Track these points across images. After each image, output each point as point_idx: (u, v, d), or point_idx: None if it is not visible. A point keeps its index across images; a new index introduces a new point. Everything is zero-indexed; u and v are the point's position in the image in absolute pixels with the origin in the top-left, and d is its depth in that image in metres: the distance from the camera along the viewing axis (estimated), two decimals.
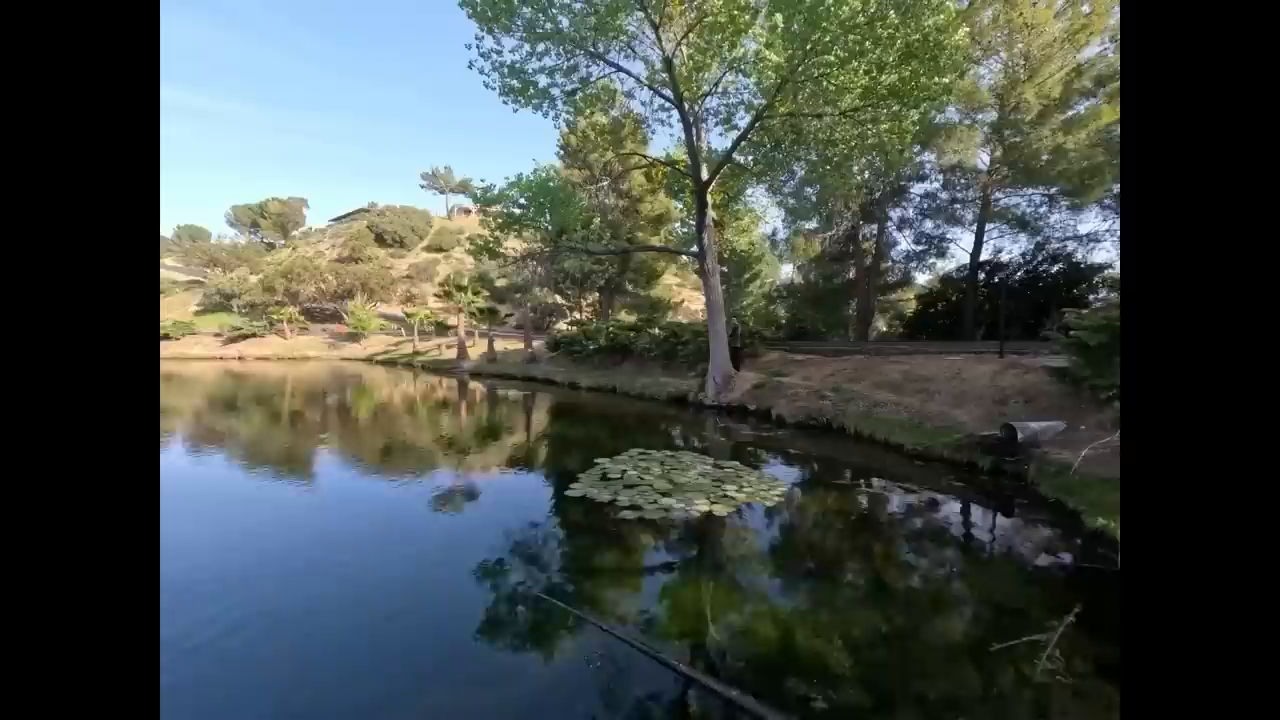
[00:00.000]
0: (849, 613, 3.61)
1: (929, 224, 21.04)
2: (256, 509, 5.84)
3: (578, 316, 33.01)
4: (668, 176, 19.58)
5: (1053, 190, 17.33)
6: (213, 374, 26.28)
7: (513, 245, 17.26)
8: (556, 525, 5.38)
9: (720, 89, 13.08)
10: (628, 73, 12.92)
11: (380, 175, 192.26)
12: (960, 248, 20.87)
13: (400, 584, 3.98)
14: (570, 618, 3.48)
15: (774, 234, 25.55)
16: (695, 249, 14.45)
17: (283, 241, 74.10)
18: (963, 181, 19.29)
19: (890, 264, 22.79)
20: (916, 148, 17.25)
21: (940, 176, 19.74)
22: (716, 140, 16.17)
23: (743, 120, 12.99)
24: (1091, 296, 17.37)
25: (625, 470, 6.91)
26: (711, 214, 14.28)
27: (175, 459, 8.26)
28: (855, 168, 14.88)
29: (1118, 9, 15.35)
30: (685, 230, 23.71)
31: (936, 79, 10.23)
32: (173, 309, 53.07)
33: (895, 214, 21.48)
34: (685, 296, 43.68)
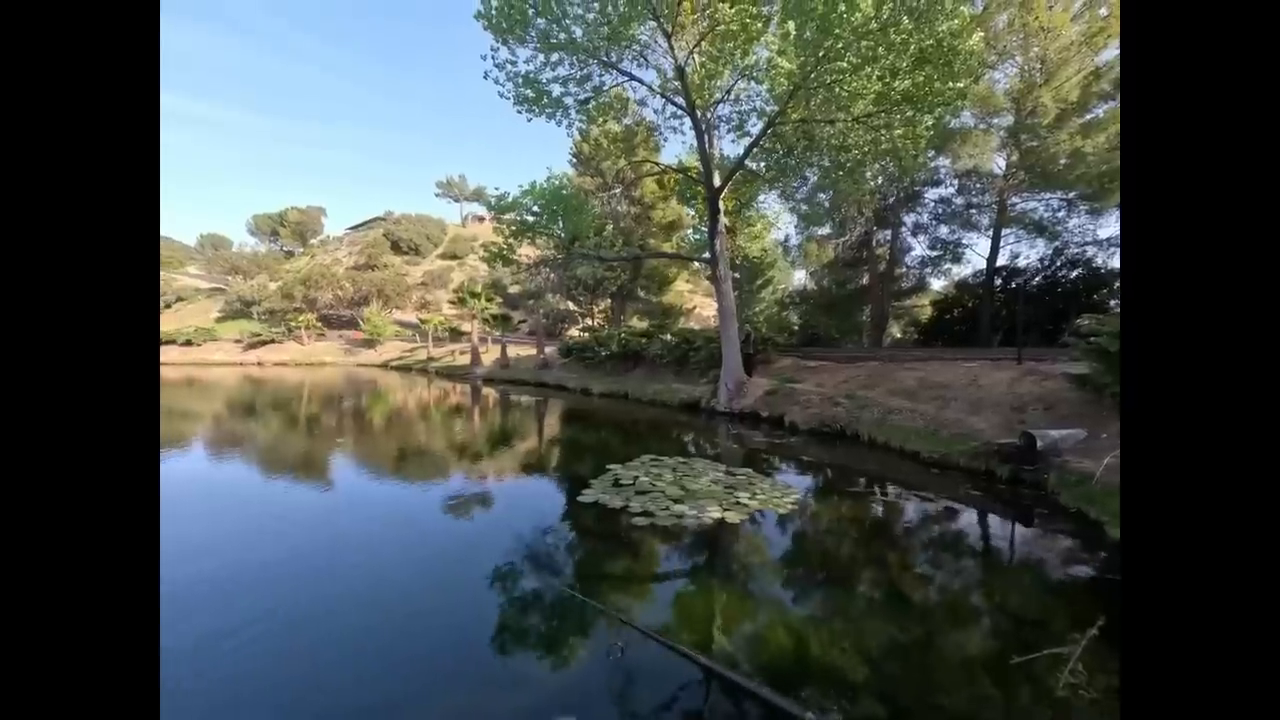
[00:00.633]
0: (864, 622, 3.56)
1: (944, 229, 20.82)
2: (274, 511, 5.93)
3: (590, 323, 33.14)
4: (680, 183, 19.65)
5: (1071, 194, 17.07)
6: (233, 379, 26.81)
7: (526, 252, 17.42)
8: (569, 531, 5.38)
9: (732, 96, 13.14)
10: (640, 81, 13.02)
11: (396, 184, 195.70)
12: (976, 253, 20.66)
13: (415, 586, 4.01)
14: (585, 620, 3.48)
15: (786, 240, 25.48)
16: (707, 255, 14.46)
17: (301, 249, 75.53)
18: (978, 186, 19.08)
19: (904, 270, 22.58)
20: (931, 153, 17.12)
21: (955, 181, 19.55)
22: (729, 147, 16.27)
23: (755, 127, 13.02)
24: (1112, 302, 17.02)
25: (637, 476, 6.90)
26: (724, 220, 14.29)
27: (195, 462, 8.42)
28: (868, 173, 14.80)
29: None
30: (697, 236, 23.72)
31: (951, 84, 10.17)
32: (195, 316, 54.29)
33: (909, 219, 21.31)
34: (697, 303, 43.66)
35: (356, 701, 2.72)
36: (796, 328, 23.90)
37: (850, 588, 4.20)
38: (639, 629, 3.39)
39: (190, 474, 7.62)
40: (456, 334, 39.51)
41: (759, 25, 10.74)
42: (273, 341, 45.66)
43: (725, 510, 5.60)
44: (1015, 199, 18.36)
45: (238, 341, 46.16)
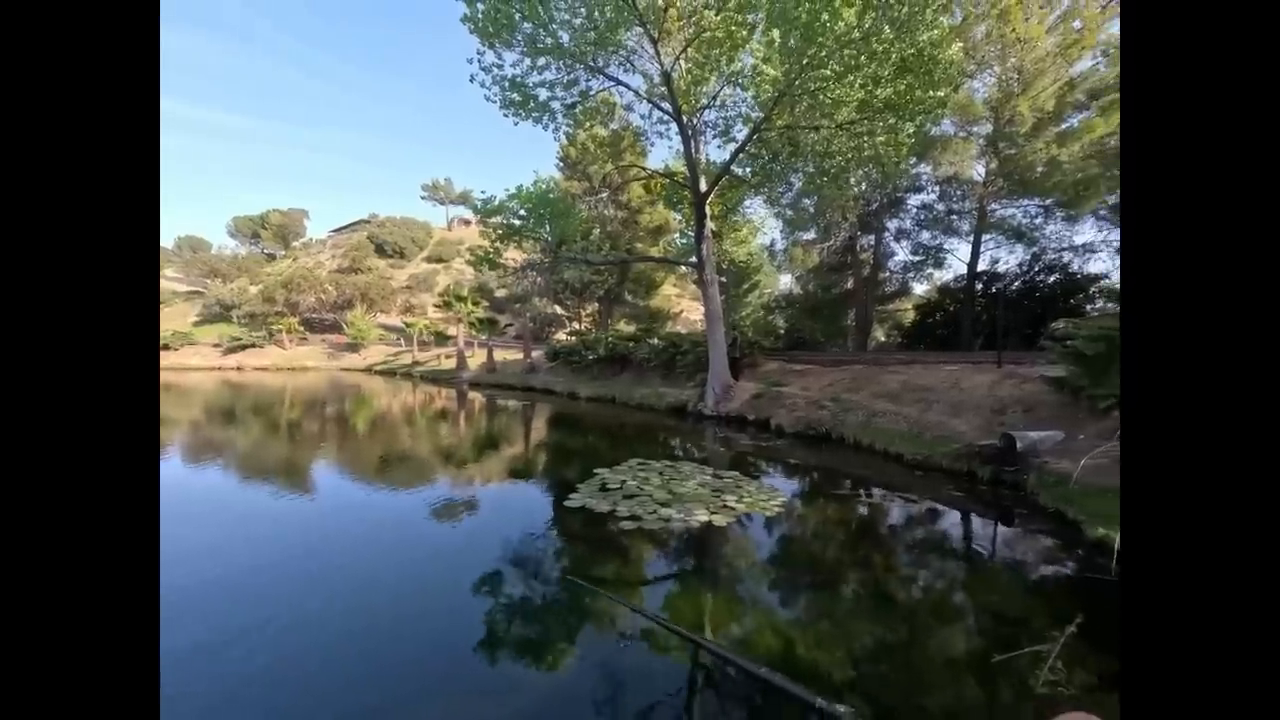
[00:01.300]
0: (849, 623, 3.59)
1: (926, 235, 21.16)
2: (254, 520, 5.81)
3: (577, 327, 33.07)
4: (666, 188, 19.74)
5: (1048, 201, 17.47)
6: (211, 384, 26.25)
7: (512, 256, 17.36)
8: (556, 536, 5.36)
9: (718, 102, 13.25)
10: (627, 86, 13.09)
11: (381, 187, 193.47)
12: (957, 258, 20.99)
13: (402, 592, 3.96)
14: (574, 624, 3.47)
15: (772, 245, 25.68)
16: (694, 259, 14.55)
17: (283, 252, 74.35)
18: (959, 193, 19.44)
19: (888, 274, 22.88)
20: (913, 160, 17.40)
21: (937, 188, 19.90)
22: (715, 152, 16.40)
23: (740, 133, 13.14)
24: (1088, 306, 17.43)
25: (624, 480, 6.89)
26: (710, 225, 14.39)
27: (172, 470, 8.23)
28: (852, 179, 15.02)
29: (1109, 24, 15.61)
30: (684, 241, 23.83)
31: (931, 92, 10.38)
32: (172, 319, 53.09)
33: (892, 225, 21.61)
34: (684, 307, 43.82)
35: (345, 707, 2.68)
36: (782, 331, 24.08)
37: (836, 589, 4.24)
38: (650, 616, 3.38)
39: (167, 481, 7.44)
40: (442, 338, 39.15)
41: (744, 33, 10.88)
42: (253, 346, 44.84)
43: (712, 513, 5.62)
44: (994, 205, 18.74)
45: (216, 346, 45.25)
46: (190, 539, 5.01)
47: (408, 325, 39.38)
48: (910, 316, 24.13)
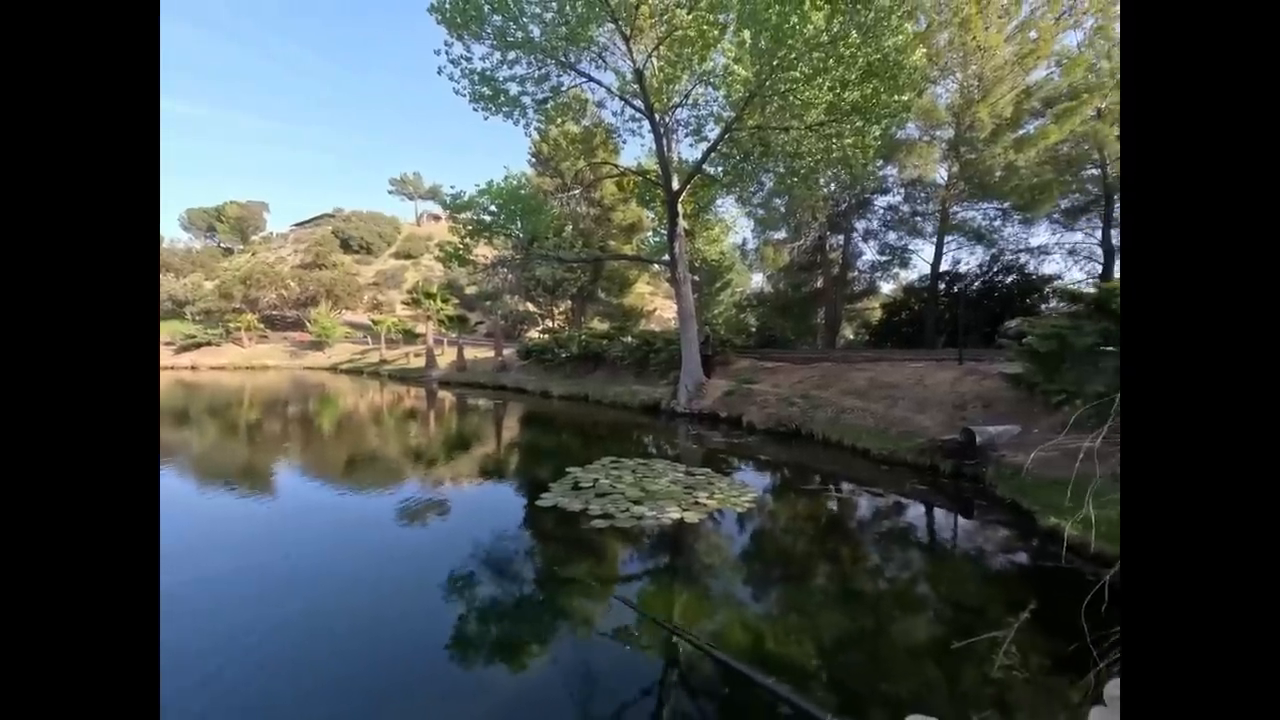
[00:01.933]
0: (818, 616, 3.67)
1: (892, 235, 21.76)
2: (216, 525, 5.58)
3: (550, 324, 32.81)
4: (639, 186, 19.74)
5: (1006, 205, 18.18)
6: (163, 384, 25.04)
7: (483, 252, 17.09)
8: (527, 536, 5.31)
9: (690, 101, 13.32)
10: (599, 83, 13.03)
11: (346, 181, 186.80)
12: (922, 258, 21.65)
13: (368, 598, 3.86)
14: (543, 625, 3.45)
15: (744, 244, 26.00)
16: (667, 258, 14.60)
17: (241, 247, 71.41)
18: (923, 195, 20.05)
19: (856, 274, 23.43)
20: (879, 162, 17.86)
21: (902, 190, 20.47)
22: (687, 151, 16.42)
23: (712, 132, 13.24)
24: (1043, 306, 18.22)
25: (597, 479, 6.88)
26: (683, 223, 14.46)
27: None
28: (821, 180, 15.33)
29: (1063, 36, 16.31)
30: (657, 239, 23.90)
31: (896, 97, 10.66)
32: None
33: (860, 225, 22.14)
34: (658, 305, 43.94)
35: (319, 714, 2.60)
36: (754, 330, 24.41)
37: (805, 582, 4.32)
38: (693, 640, 3.37)
39: None
40: (411, 336, 38.25)
41: (715, 32, 10.95)
42: (209, 344, 42.94)
43: (685, 510, 5.66)
44: (956, 208, 19.39)
45: (169, 344, 43.13)
46: None
47: (375, 323, 38.32)
48: (877, 315, 24.76)
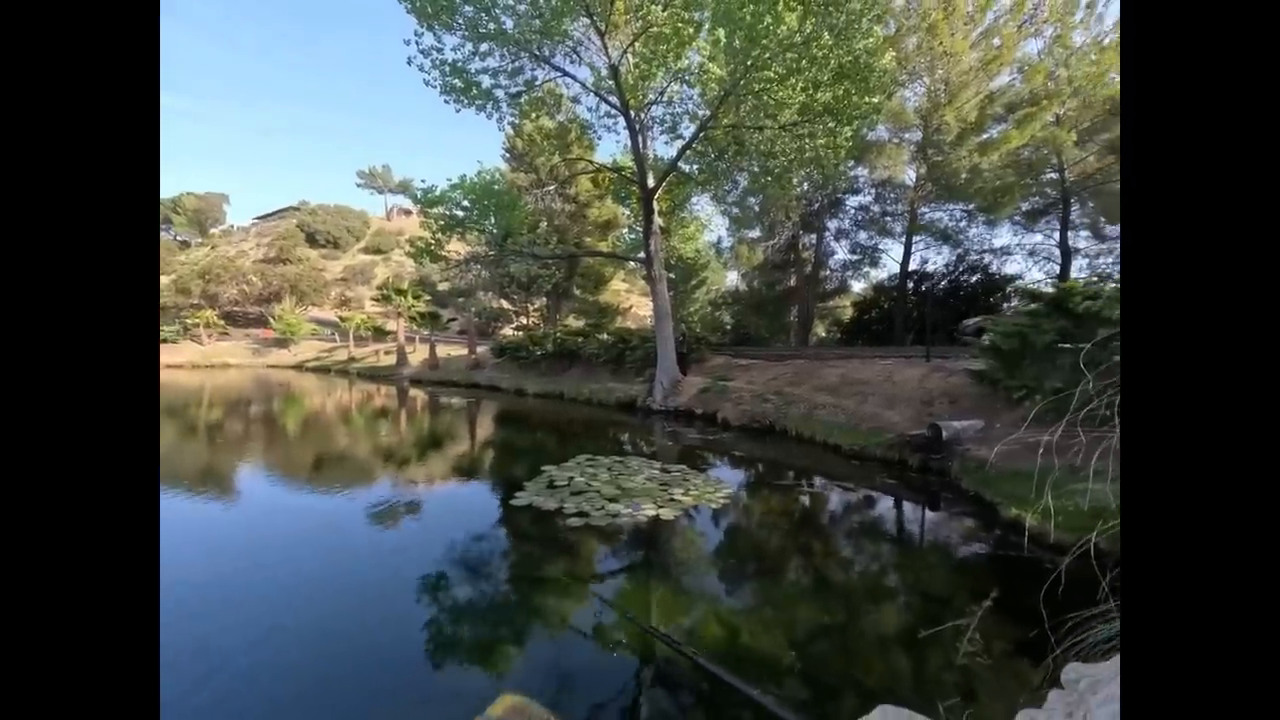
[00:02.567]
0: (791, 609, 3.73)
1: (863, 235, 22.23)
2: (170, 533, 5.34)
3: (524, 321, 32.47)
4: (614, 183, 19.68)
5: (971, 206, 18.76)
6: None
7: (456, 248, 16.79)
8: (502, 536, 5.25)
9: (665, 98, 13.32)
10: (573, 78, 12.91)
11: (312, 173, 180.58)
12: (891, 258, 22.18)
13: (334, 604, 3.75)
14: (519, 626, 3.41)
15: (719, 242, 26.20)
16: (642, 255, 14.59)
17: (200, 240, 68.51)
18: (893, 195, 20.53)
19: (828, 272, 23.87)
20: (851, 162, 18.19)
21: (873, 190, 20.92)
22: (662, 148, 16.50)
23: (688, 130, 13.28)
24: (1005, 305, 18.87)
25: (572, 477, 6.84)
26: (658, 221, 14.47)
27: None
28: (795, 179, 15.52)
29: (1024, 44, 16.88)
30: (633, 236, 23.88)
31: (867, 99, 10.87)
32: None
33: (832, 225, 22.56)
34: (634, 302, 43.93)
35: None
36: (729, 327, 24.65)
37: (779, 576, 4.39)
38: (677, 646, 3.36)
39: None
40: (381, 333, 37.33)
41: (690, 30, 10.98)
42: (165, 341, 41.10)
43: (660, 507, 5.67)
44: (924, 209, 19.92)
45: None
46: None
47: (343, 320, 37.28)
48: (848, 313, 25.28)
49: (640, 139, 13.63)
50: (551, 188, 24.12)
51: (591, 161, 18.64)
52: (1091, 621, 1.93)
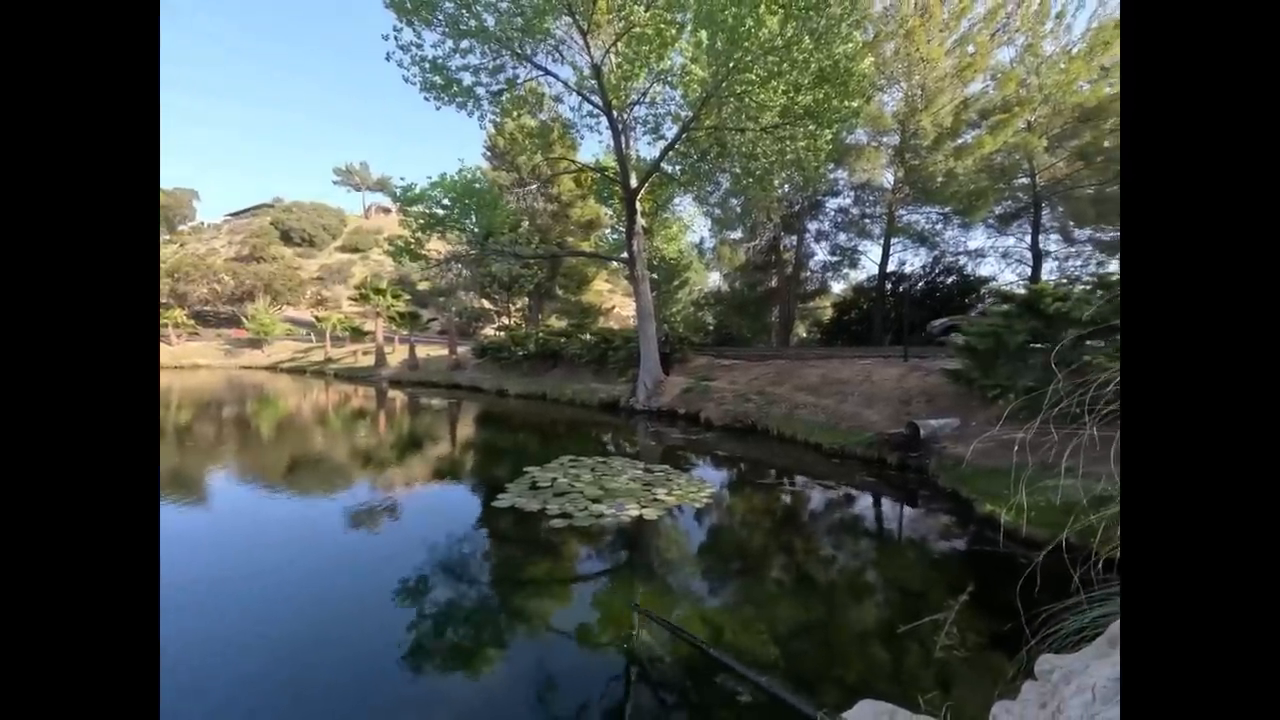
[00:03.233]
0: (773, 606, 3.76)
1: (843, 236, 22.55)
2: None
3: (506, 322, 32.19)
4: (597, 183, 19.64)
5: (946, 209, 19.16)
6: None
7: (436, 247, 16.57)
8: (484, 538, 5.19)
9: (648, 99, 13.34)
10: (555, 77, 12.85)
11: (286, 169, 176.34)
12: (870, 259, 22.53)
13: (313, 610, 3.66)
14: (500, 630, 3.38)
15: (701, 243, 26.31)
16: (625, 255, 14.58)
17: (168, 237, 66.42)
18: (871, 198, 20.87)
19: (809, 273, 24.14)
20: (831, 165, 18.43)
21: (852, 193, 21.23)
22: (645, 149, 16.47)
23: (670, 131, 13.31)
24: (978, 305, 19.32)
25: (555, 478, 6.80)
26: (641, 221, 14.48)
27: None
28: (776, 181, 15.67)
29: (997, 51, 17.30)
30: (615, 236, 23.85)
31: (846, 102, 11.03)
32: None
33: (813, 226, 22.83)
34: (616, 303, 43.88)
35: None
36: (711, 327, 24.77)
37: (761, 574, 4.42)
38: (709, 651, 3.34)
39: None
40: (359, 333, 36.62)
41: (673, 31, 11.01)
42: None
43: (643, 507, 5.67)
44: (902, 211, 20.28)
45: None
46: None
47: (319, 320, 36.48)
48: (828, 314, 25.61)
49: (623, 139, 13.62)
50: (534, 187, 23.95)
51: (574, 161, 18.57)
52: (1063, 614, 1.98)
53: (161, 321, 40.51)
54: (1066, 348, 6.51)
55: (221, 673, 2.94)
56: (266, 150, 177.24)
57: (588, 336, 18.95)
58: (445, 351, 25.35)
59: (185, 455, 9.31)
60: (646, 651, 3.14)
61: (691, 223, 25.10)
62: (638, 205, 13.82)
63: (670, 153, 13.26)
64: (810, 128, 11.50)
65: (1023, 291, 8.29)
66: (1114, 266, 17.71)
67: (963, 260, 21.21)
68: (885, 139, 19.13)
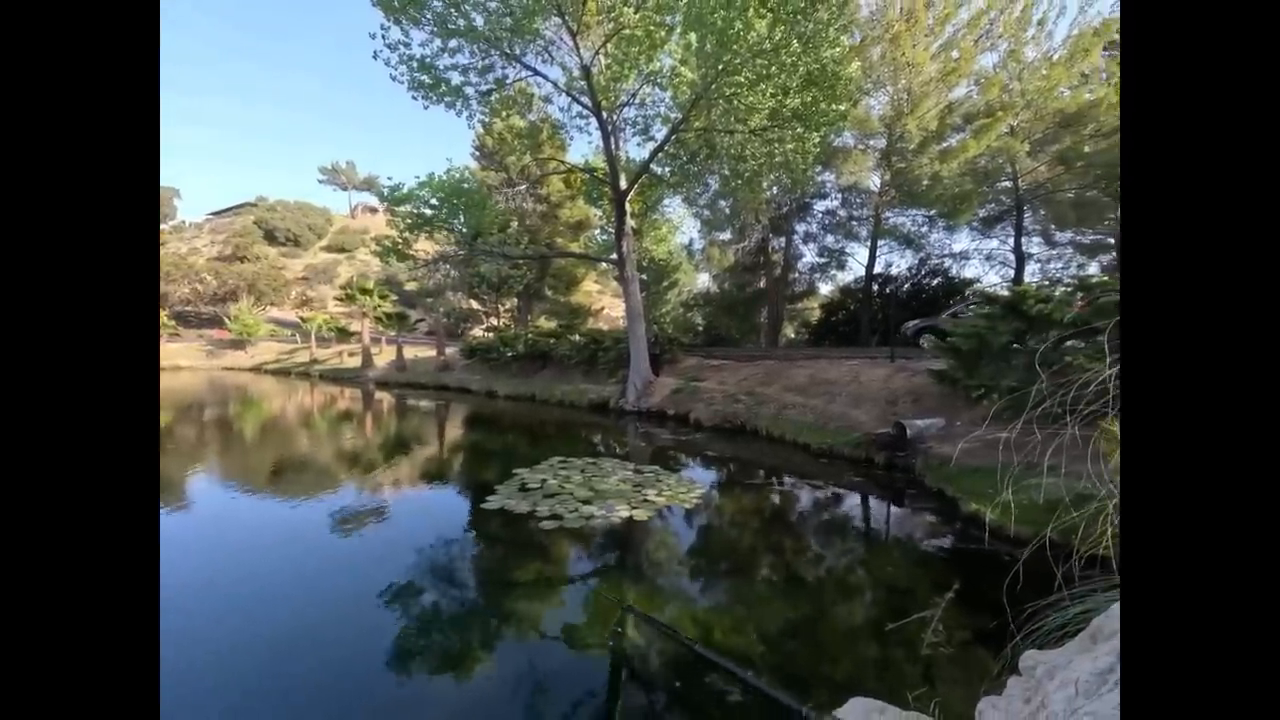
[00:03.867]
0: (763, 606, 3.79)
1: (830, 238, 22.75)
2: None
3: (495, 323, 32.02)
4: (586, 183, 19.60)
5: (932, 212, 19.42)
6: None
7: (424, 247, 16.44)
8: (473, 541, 5.16)
9: (638, 100, 13.35)
10: (545, 77, 12.82)
11: (270, 168, 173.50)
12: (857, 261, 22.75)
13: (300, 614, 3.62)
14: (489, 634, 3.36)
15: (690, 244, 26.40)
16: (615, 256, 14.58)
17: None
18: (858, 200, 21.09)
19: (797, 275, 24.32)
20: (818, 168, 18.59)
21: (839, 195, 21.43)
22: (634, 150, 16.46)
23: (659, 132, 13.34)
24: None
25: (545, 480, 6.78)
26: (630, 222, 14.48)
27: None
28: (764, 183, 15.77)
29: (981, 56, 17.58)
30: (605, 237, 23.82)
31: (834, 105, 11.14)
32: None
33: (801, 228, 22.99)
34: (606, 303, 43.83)
35: None
36: (700, 328, 24.85)
37: (751, 574, 4.45)
38: (690, 645, 3.33)
39: None
40: (345, 334, 36.16)
41: (662, 33, 11.04)
42: None
43: (634, 508, 5.68)
44: (888, 213, 20.52)
45: None
46: None
47: (304, 320, 35.95)
48: (816, 315, 25.80)
49: (612, 140, 13.63)
50: (523, 187, 23.87)
51: (563, 162, 18.54)
52: (1047, 610, 2.03)
53: None
54: (1049, 349, 6.65)
55: (209, 675, 2.89)
56: (249, 148, 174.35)
57: (577, 337, 18.92)
58: (433, 352, 25.14)
59: (167, 458, 9.13)
60: (636, 651, 3.15)
61: (681, 224, 25.20)
62: (627, 206, 13.83)
63: (659, 154, 13.29)
64: (798, 130, 11.59)
65: (1006, 293, 8.42)
66: (1094, 268, 18.10)
67: (948, 262, 21.52)
68: (872, 142, 19.34)
